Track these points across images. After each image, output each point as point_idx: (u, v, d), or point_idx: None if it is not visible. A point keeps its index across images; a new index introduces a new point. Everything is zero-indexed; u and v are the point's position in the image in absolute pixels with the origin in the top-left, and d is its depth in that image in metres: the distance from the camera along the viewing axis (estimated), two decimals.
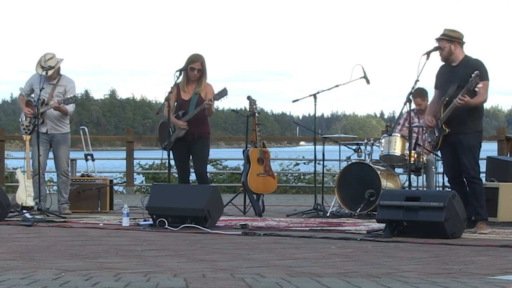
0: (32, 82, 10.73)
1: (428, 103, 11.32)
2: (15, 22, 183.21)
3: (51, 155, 10.89)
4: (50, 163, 11.25)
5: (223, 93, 9.81)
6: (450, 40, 8.63)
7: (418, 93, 11.10)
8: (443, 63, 8.80)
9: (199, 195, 8.88)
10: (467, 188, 8.66)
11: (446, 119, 8.57)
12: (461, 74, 8.53)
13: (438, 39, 8.68)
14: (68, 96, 10.57)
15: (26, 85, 10.83)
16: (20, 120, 10.95)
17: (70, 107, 10.68)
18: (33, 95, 10.75)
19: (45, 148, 10.70)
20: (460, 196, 8.19)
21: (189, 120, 9.76)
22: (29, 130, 10.74)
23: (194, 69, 9.73)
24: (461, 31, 8.75)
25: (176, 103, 9.97)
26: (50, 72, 10.59)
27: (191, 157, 10.22)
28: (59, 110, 10.59)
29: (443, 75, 8.80)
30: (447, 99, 8.57)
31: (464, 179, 8.66)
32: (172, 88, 10.01)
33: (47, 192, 11.01)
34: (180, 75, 10.10)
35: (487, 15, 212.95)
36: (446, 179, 10.97)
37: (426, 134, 8.97)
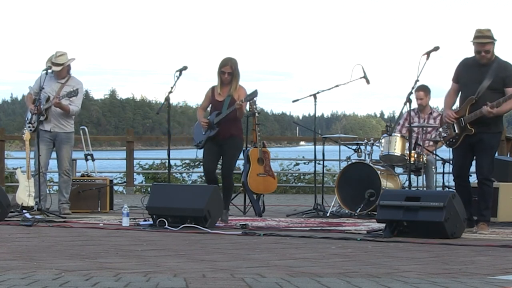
0: (42, 79, 10.71)
1: (430, 100, 11.34)
2: (15, 22, 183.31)
3: (53, 155, 10.89)
4: (52, 163, 11.25)
5: (253, 94, 9.93)
6: (493, 41, 8.44)
7: (421, 88, 11.08)
8: (469, 58, 8.61)
9: (199, 195, 8.88)
10: (475, 188, 8.64)
11: (473, 120, 8.42)
12: (492, 76, 8.36)
13: (484, 43, 8.37)
14: (71, 90, 10.56)
15: (36, 83, 10.83)
16: (26, 118, 10.96)
17: (74, 107, 10.67)
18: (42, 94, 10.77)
19: (48, 147, 10.70)
20: (461, 195, 8.19)
21: (221, 120, 9.83)
22: (33, 127, 10.75)
23: (225, 73, 9.85)
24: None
25: (210, 105, 10.05)
26: (57, 69, 10.58)
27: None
28: (61, 108, 10.59)
29: (470, 72, 8.56)
30: (476, 99, 8.42)
31: (476, 179, 8.62)
32: (172, 88, 10.08)
33: (48, 192, 11.00)
34: (180, 75, 10.15)
35: (486, 15, 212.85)
36: (446, 177, 11.01)
37: (441, 129, 8.84)
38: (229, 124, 9.83)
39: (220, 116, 9.81)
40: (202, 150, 10.16)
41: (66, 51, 10.75)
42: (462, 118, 8.51)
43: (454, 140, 8.63)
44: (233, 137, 9.87)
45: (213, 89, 10.01)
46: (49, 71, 10.56)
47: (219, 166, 10.42)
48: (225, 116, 9.78)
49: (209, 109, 10.09)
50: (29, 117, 10.83)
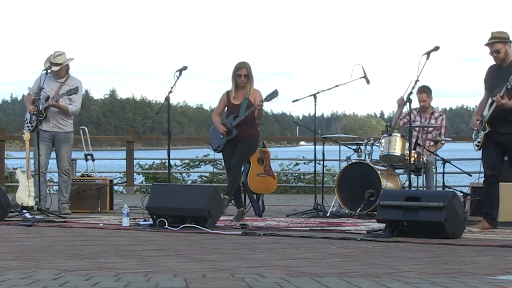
0: (41, 80, 10.71)
1: (432, 101, 11.38)
2: (15, 22, 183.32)
3: (53, 154, 10.89)
4: (52, 163, 11.25)
5: (274, 94, 9.97)
6: (504, 41, 8.58)
7: (424, 90, 11.12)
8: (494, 64, 8.75)
9: (199, 195, 8.88)
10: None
11: (488, 118, 8.59)
12: (510, 74, 8.48)
13: (492, 43, 8.55)
14: (71, 88, 10.56)
15: (35, 84, 10.83)
16: (25, 118, 10.95)
17: (73, 107, 10.66)
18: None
19: (47, 147, 10.70)
20: (493, 194, 8.47)
21: (240, 122, 9.92)
22: (32, 126, 10.75)
23: (241, 76, 9.98)
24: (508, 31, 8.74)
25: (226, 108, 10.14)
26: (55, 69, 10.58)
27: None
28: (58, 108, 10.58)
29: (492, 77, 8.74)
30: (493, 99, 8.56)
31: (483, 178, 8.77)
32: (172, 88, 10.11)
33: (48, 192, 11.00)
34: (180, 75, 10.18)
35: (486, 15, 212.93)
36: (446, 177, 11.01)
37: (473, 134, 8.98)
38: (247, 126, 10.00)
39: (239, 119, 9.95)
40: (215, 153, 10.41)
41: (64, 50, 10.77)
42: (483, 119, 8.65)
43: (480, 142, 8.77)
44: (250, 137, 10.04)
45: (227, 93, 10.13)
46: (48, 71, 10.57)
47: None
48: (244, 119, 9.88)
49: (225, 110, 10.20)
50: (28, 117, 10.84)
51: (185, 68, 10.23)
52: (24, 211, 10.46)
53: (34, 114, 10.62)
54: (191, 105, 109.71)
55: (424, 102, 11.20)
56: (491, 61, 8.77)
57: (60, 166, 10.80)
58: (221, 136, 10.08)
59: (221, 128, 10.05)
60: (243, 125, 9.97)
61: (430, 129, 11.17)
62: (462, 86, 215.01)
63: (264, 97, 9.96)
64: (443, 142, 11.05)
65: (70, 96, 10.60)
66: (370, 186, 10.73)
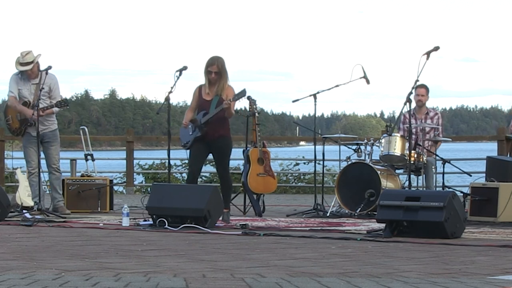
0: (17, 82, 10.67)
1: (428, 100, 11.40)
2: (15, 22, 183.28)
3: (42, 154, 10.89)
4: (44, 162, 11.24)
5: (242, 94, 9.75)
6: None
7: (424, 85, 11.14)
8: None
9: (199, 195, 8.88)
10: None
11: None
12: None
13: None
14: (59, 100, 10.53)
15: (14, 85, 10.68)
16: (6, 122, 10.86)
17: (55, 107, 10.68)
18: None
19: (37, 147, 10.67)
20: None
21: (209, 120, 9.72)
22: (20, 132, 10.73)
23: (212, 72, 9.68)
24: None
25: (197, 104, 9.95)
26: (28, 68, 10.49)
27: (211, 156, 10.06)
28: (46, 114, 10.59)
29: None
30: None
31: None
32: (172, 88, 10.07)
33: (46, 191, 10.99)
34: (180, 75, 10.13)
35: (486, 15, 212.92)
36: (446, 177, 11.01)
37: None
38: (217, 124, 9.70)
39: (208, 116, 9.68)
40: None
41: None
42: None
43: None
44: (222, 137, 9.76)
45: (200, 88, 9.86)
46: (21, 69, 10.51)
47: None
48: (213, 116, 9.70)
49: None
50: (10, 122, 10.82)
51: (185, 68, 10.21)
52: (24, 211, 10.46)
53: (33, 122, 10.56)
54: None
55: (422, 97, 11.19)
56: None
57: (50, 164, 10.80)
58: (190, 133, 9.82)
59: (184, 123, 9.74)
60: (213, 123, 9.66)
61: (427, 129, 11.16)
62: (461, 86, 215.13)
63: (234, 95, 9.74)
64: (442, 141, 11.05)
65: (50, 94, 10.56)
66: (370, 186, 10.72)
